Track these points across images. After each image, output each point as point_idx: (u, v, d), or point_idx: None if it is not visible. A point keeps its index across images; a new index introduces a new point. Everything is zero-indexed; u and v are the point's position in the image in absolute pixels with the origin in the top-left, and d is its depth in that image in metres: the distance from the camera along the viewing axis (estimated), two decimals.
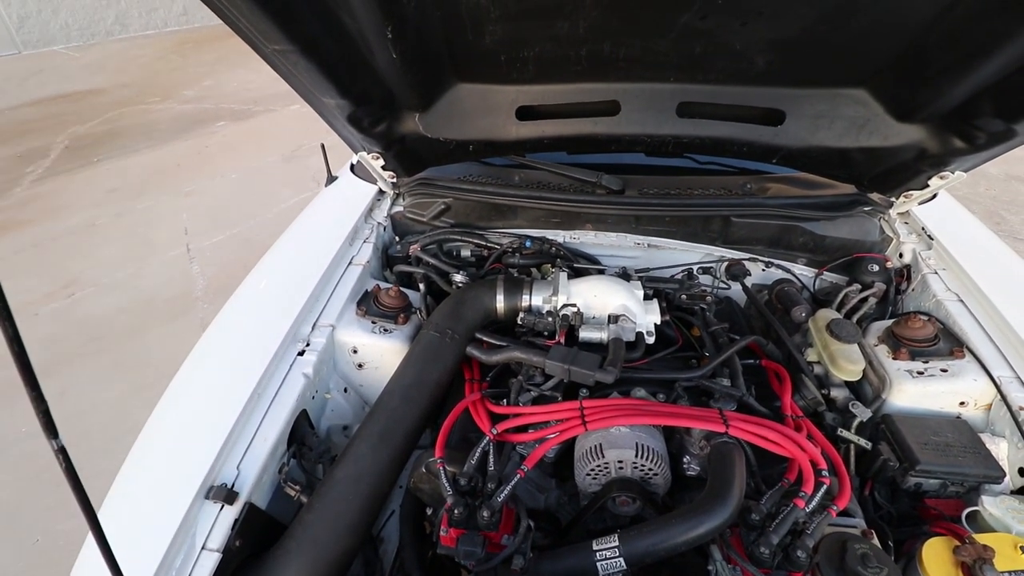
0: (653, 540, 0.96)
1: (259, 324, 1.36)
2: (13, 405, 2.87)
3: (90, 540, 0.94)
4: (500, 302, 1.41)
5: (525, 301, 1.41)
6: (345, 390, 1.45)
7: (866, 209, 1.66)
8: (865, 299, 1.58)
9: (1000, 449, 1.21)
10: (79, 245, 4.34)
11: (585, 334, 1.33)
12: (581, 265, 1.69)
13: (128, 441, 1.13)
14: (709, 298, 1.54)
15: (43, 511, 2.39)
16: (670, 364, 1.35)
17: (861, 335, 1.40)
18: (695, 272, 1.71)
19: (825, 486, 1.03)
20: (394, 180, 1.75)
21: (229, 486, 1.02)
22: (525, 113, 1.46)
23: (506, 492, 1.04)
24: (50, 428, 0.49)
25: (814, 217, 1.66)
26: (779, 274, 1.73)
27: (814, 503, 1.01)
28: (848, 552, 0.95)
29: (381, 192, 1.89)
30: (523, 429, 1.20)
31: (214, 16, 0.91)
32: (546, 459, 1.21)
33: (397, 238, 1.86)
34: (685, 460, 1.19)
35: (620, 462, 1.11)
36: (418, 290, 1.59)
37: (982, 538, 1.01)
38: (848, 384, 1.36)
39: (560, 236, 1.76)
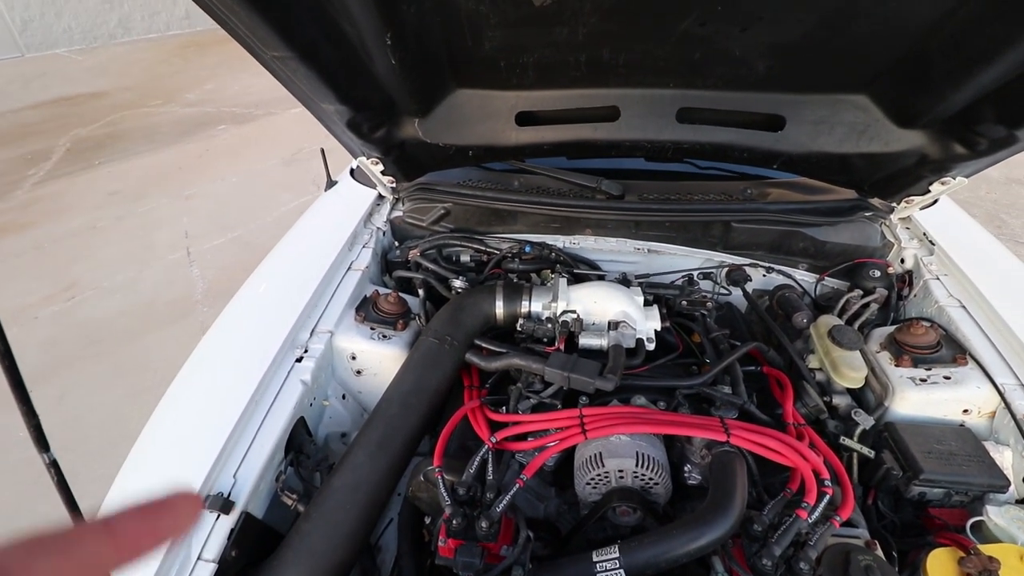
0: (654, 551, 0.95)
1: (257, 330, 1.35)
2: (13, 409, 2.86)
3: None
4: (499, 308, 1.40)
5: (524, 307, 1.40)
6: (343, 397, 1.44)
7: (867, 214, 1.65)
8: (867, 305, 1.57)
9: (1004, 457, 1.20)
10: (80, 248, 4.34)
11: (585, 341, 1.32)
12: (581, 271, 1.68)
13: (127, 446, 1.13)
14: (710, 304, 1.53)
15: (42, 516, 2.38)
16: (671, 371, 1.34)
17: (863, 342, 1.39)
18: (695, 278, 1.70)
19: (828, 496, 1.02)
20: (394, 185, 1.75)
21: (225, 495, 1.01)
22: (525, 119, 1.46)
23: (505, 502, 1.03)
24: (41, 442, 0.49)
25: (815, 222, 1.65)
26: (780, 280, 1.72)
27: (817, 513, 1.00)
28: (852, 564, 0.93)
29: (381, 197, 1.88)
30: (522, 437, 1.19)
31: None
32: (546, 468, 1.20)
33: (396, 243, 1.86)
34: (686, 469, 1.18)
35: (620, 471, 1.10)
36: (417, 296, 1.58)
37: (987, 549, 1.00)
38: (850, 391, 1.35)
39: (560, 241, 1.76)
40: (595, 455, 1.11)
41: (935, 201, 1.54)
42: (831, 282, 1.72)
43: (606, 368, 1.18)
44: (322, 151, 2.01)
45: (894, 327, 1.41)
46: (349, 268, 1.60)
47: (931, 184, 1.41)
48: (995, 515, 1.11)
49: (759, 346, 1.41)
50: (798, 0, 1.02)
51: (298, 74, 1.05)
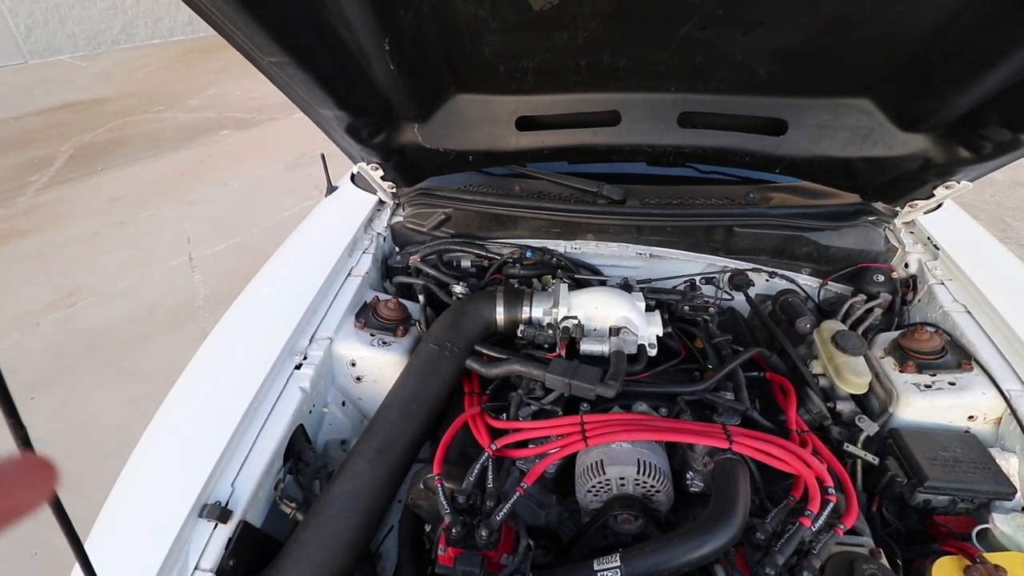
0: (655, 560, 0.94)
1: (256, 337, 1.35)
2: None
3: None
4: (500, 314, 1.39)
5: (525, 313, 1.40)
6: (343, 404, 1.44)
7: (871, 219, 1.64)
8: (871, 310, 1.55)
9: (1011, 464, 1.18)
10: (82, 254, 4.35)
11: (586, 347, 1.31)
12: (582, 276, 1.67)
13: (129, 452, 1.13)
14: (712, 309, 1.52)
15: (40, 524, 2.36)
16: (673, 377, 1.33)
17: (867, 347, 1.38)
18: (698, 283, 1.69)
19: (832, 504, 1.01)
20: (394, 190, 1.74)
21: (223, 504, 1.00)
22: (525, 123, 1.45)
23: (505, 510, 1.02)
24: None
25: (818, 227, 1.64)
26: (783, 284, 1.71)
27: (820, 521, 0.99)
28: (856, 573, 0.92)
29: (381, 202, 1.88)
30: (523, 444, 1.18)
31: None
32: (547, 475, 1.19)
33: (397, 249, 1.85)
34: (688, 476, 1.17)
35: (622, 479, 1.09)
36: (418, 302, 1.57)
37: (993, 557, 0.99)
38: (854, 397, 1.34)
39: (561, 246, 1.75)
40: (596, 462, 1.10)
41: (939, 205, 1.53)
42: (834, 287, 1.71)
43: (607, 374, 1.17)
44: (322, 156, 2.01)
45: (898, 332, 1.40)
46: (349, 274, 1.60)
47: (935, 188, 1.40)
48: (1001, 523, 1.10)
49: (762, 351, 1.40)
50: (799, 5, 1.01)
51: (296, 79, 1.05)
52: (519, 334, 1.37)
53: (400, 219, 1.84)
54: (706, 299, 1.58)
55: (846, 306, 1.56)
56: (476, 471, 1.09)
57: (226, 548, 0.96)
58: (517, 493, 1.05)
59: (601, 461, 1.09)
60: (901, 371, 1.32)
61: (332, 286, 1.53)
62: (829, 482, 1.04)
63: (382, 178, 1.62)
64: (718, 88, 1.31)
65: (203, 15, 0.87)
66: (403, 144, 1.48)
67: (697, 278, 1.71)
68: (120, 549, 0.95)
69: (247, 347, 1.33)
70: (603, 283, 1.63)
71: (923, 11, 1.00)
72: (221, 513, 0.98)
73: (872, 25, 1.05)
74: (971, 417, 1.26)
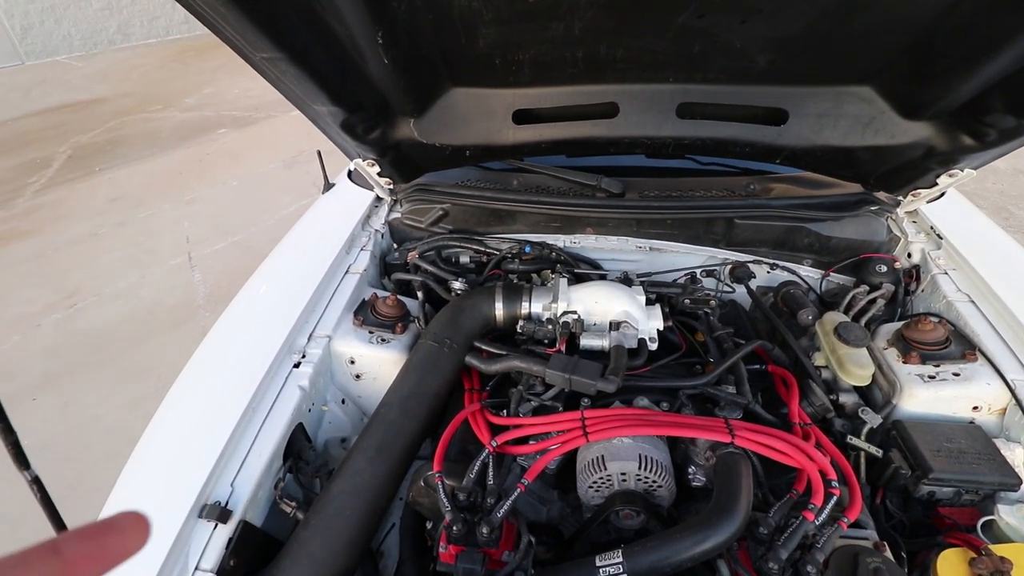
0: (658, 556, 0.93)
1: (254, 336, 1.34)
2: (15, 418, 2.87)
3: None
4: (499, 310, 1.39)
5: (524, 308, 1.39)
6: (343, 401, 1.43)
7: (873, 208, 1.62)
8: (873, 301, 1.54)
9: (1016, 455, 1.17)
10: (81, 255, 4.34)
11: (586, 342, 1.30)
12: (582, 270, 1.66)
13: (131, 453, 1.12)
14: (713, 302, 1.51)
15: (46, 524, 2.38)
16: (674, 371, 1.33)
17: (870, 338, 1.37)
18: (698, 275, 1.68)
19: (835, 497, 1.00)
20: (391, 186, 1.73)
21: (223, 504, 1.00)
22: (522, 117, 1.44)
23: (506, 507, 1.01)
24: (20, 459, 0.47)
25: (819, 217, 1.63)
26: (784, 276, 1.70)
27: (824, 515, 0.98)
28: (860, 566, 0.92)
29: (378, 199, 1.87)
30: (523, 441, 1.17)
31: None
32: (548, 471, 1.18)
33: (395, 245, 1.84)
34: (690, 471, 1.16)
35: (623, 474, 1.08)
36: (416, 298, 1.56)
37: (999, 549, 0.98)
38: (857, 389, 1.33)
39: (560, 240, 1.74)
40: (597, 458, 1.09)
41: (942, 194, 1.52)
42: (837, 278, 1.69)
43: (608, 369, 1.16)
44: (319, 153, 1.99)
45: (901, 323, 1.39)
46: (347, 271, 1.59)
47: (938, 176, 1.39)
48: (1006, 514, 1.09)
49: (764, 344, 1.39)
50: None
51: (288, 75, 1.04)
52: (519, 330, 1.36)
53: (398, 215, 1.83)
54: (707, 292, 1.57)
55: (848, 297, 1.55)
56: (477, 468, 1.09)
57: (226, 548, 0.96)
58: (518, 490, 1.04)
59: (602, 457, 1.09)
60: (904, 362, 1.31)
61: (330, 284, 1.52)
62: (832, 475, 1.04)
63: (379, 174, 1.61)
64: (717, 78, 1.29)
65: (192, 10, 0.86)
66: (399, 140, 1.47)
67: (698, 271, 1.70)
68: None
69: (245, 346, 1.32)
70: (603, 277, 1.62)
71: None
72: (221, 513, 0.98)
73: (873, 11, 1.03)
74: (976, 408, 1.24)
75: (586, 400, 1.21)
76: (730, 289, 1.71)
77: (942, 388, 1.24)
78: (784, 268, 1.70)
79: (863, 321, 1.51)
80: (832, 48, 1.16)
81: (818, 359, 1.37)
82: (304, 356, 1.32)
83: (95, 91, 8.06)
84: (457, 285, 1.56)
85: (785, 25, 1.09)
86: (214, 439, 1.07)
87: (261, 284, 1.56)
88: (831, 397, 1.31)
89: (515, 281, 1.58)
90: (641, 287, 1.45)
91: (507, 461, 1.18)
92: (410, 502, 1.18)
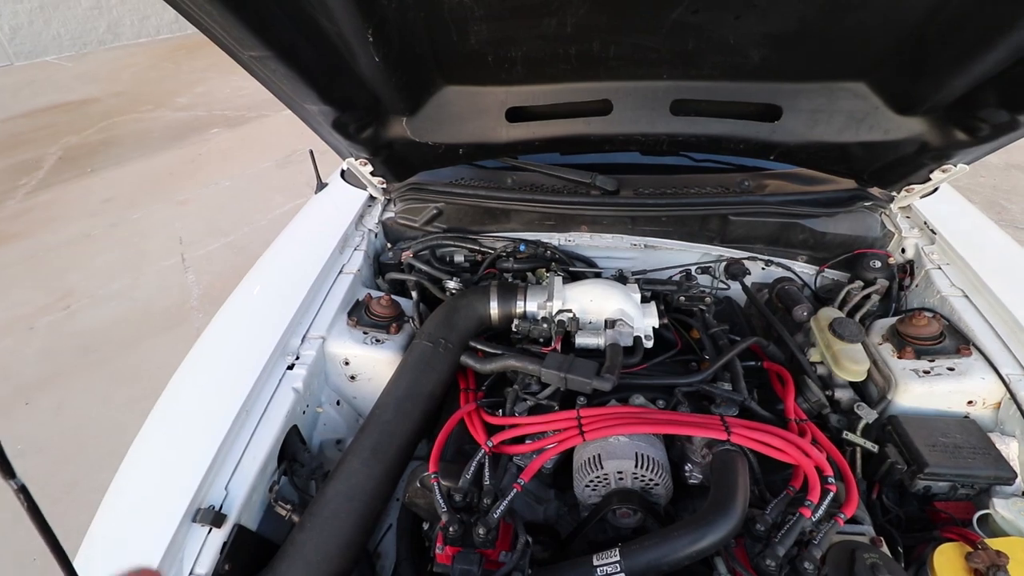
0: (655, 554, 0.93)
1: (247, 338, 1.33)
2: (8, 421, 2.85)
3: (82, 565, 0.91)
4: (494, 309, 1.38)
5: (519, 307, 1.38)
6: (338, 403, 1.42)
7: (867, 204, 1.62)
8: (868, 296, 1.54)
9: (1011, 449, 1.18)
10: (74, 257, 4.31)
11: (581, 340, 1.29)
12: (577, 268, 1.66)
13: (125, 455, 1.11)
14: (708, 299, 1.51)
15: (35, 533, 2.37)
16: (669, 369, 1.32)
17: (865, 334, 1.37)
18: (693, 273, 1.68)
19: (831, 493, 1.00)
20: (384, 186, 1.72)
21: (217, 508, 0.99)
22: (515, 114, 1.43)
23: (502, 508, 1.00)
24: (6, 468, 0.46)
25: (814, 214, 1.63)
26: (779, 272, 1.70)
27: (820, 511, 0.98)
28: (857, 562, 0.92)
29: (372, 198, 1.86)
30: (520, 440, 1.17)
31: None
32: (544, 470, 1.18)
33: (389, 245, 1.83)
34: (687, 468, 1.16)
35: (620, 473, 1.08)
36: (411, 298, 1.56)
37: (995, 543, 0.98)
38: (852, 385, 1.33)
39: (555, 239, 1.73)
40: (594, 457, 1.09)
41: (935, 189, 1.52)
42: (831, 274, 1.69)
43: (603, 368, 1.16)
44: (311, 153, 1.98)
45: (896, 318, 1.39)
46: (340, 271, 1.58)
47: (932, 172, 1.39)
48: (1002, 508, 1.09)
49: (759, 341, 1.39)
50: None
51: (278, 74, 1.02)
52: (514, 329, 1.35)
53: (391, 215, 1.82)
54: (702, 289, 1.57)
55: (843, 293, 1.55)
56: (473, 468, 1.08)
57: (221, 552, 0.95)
58: (514, 489, 1.04)
59: (599, 455, 1.08)
60: (899, 357, 1.31)
61: (323, 284, 1.51)
62: (828, 471, 1.04)
63: (372, 174, 1.60)
64: (711, 74, 1.29)
65: (180, 9, 0.85)
66: (392, 138, 1.45)
67: (693, 268, 1.70)
68: (113, 556, 0.93)
69: (238, 348, 1.31)
70: (598, 275, 1.61)
71: None
72: (215, 517, 0.97)
73: (866, 7, 1.03)
74: (970, 402, 1.25)
75: (582, 399, 1.21)
76: (725, 286, 1.70)
77: (937, 383, 1.24)
78: (779, 264, 1.70)
79: (858, 317, 1.51)
80: (825, 44, 1.15)
81: (813, 355, 1.37)
82: (298, 358, 1.31)
83: (85, 91, 7.99)
84: (452, 284, 1.55)
85: (778, 21, 1.08)
86: (208, 442, 1.06)
87: (254, 285, 1.55)
88: (827, 393, 1.31)
89: (510, 280, 1.57)
90: (636, 285, 1.44)
91: (503, 461, 1.18)
92: (406, 503, 1.18)
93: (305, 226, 1.83)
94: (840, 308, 1.52)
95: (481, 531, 0.97)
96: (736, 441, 1.07)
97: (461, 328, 1.35)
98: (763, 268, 1.73)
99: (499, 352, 1.31)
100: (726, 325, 1.43)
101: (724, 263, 1.70)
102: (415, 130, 1.43)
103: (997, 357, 1.25)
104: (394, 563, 1.25)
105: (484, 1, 1.03)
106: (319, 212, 1.88)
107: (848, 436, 1.21)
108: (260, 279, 1.57)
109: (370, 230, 1.76)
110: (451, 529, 0.99)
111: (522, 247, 1.67)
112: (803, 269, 1.71)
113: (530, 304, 1.38)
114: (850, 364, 1.28)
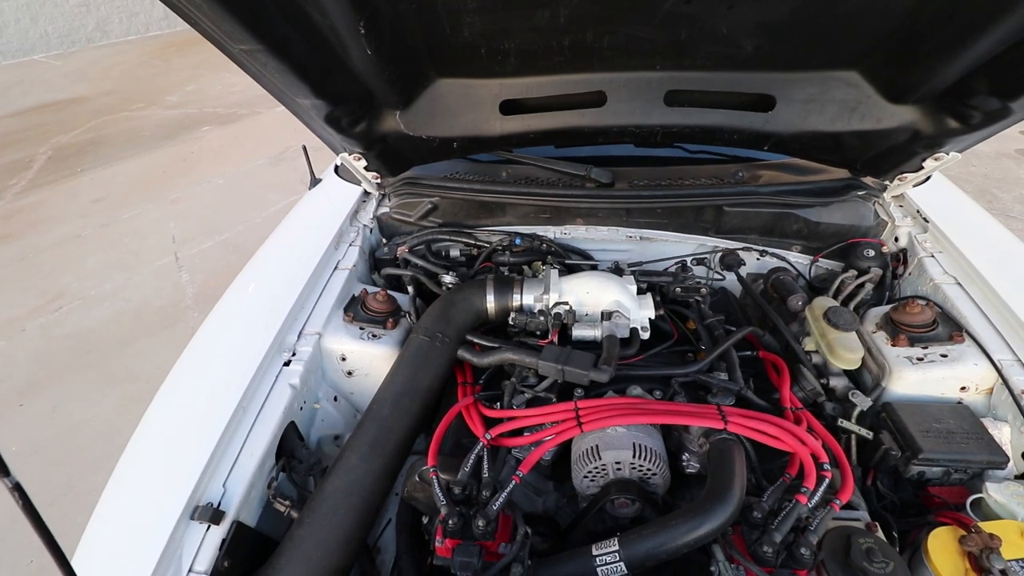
0: (654, 543, 0.94)
1: (242, 335, 1.32)
2: (3, 424, 2.83)
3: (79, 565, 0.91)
4: (490, 303, 1.38)
5: (516, 301, 1.38)
6: (335, 399, 1.42)
7: (860, 193, 1.63)
8: (862, 285, 1.55)
9: (1003, 434, 1.19)
10: (65, 257, 4.27)
11: (578, 332, 1.30)
12: (572, 261, 1.66)
13: (121, 456, 1.10)
14: (704, 290, 1.51)
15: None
16: (666, 359, 1.33)
17: (859, 322, 1.38)
18: (689, 264, 1.68)
19: (827, 480, 1.01)
20: (379, 181, 1.71)
21: (215, 505, 0.99)
22: (509, 107, 1.42)
23: (501, 500, 1.01)
24: (0, 467, 0.46)
25: (808, 203, 1.64)
26: (774, 263, 1.71)
27: (816, 498, 0.99)
28: (853, 547, 0.93)
29: (366, 193, 1.85)
30: (518, 432, 1.17)
31: None
32: (543, 462, 1.18)
33: (384, 240, 1.82)
34: (684, 458, 1.17)
35: (618, 463, 1.08)
36: (407, 293, 1.55)
37: (988, 526, 1.00)
38: (847, 373, 1.34)
39: (550, 232, 1.73)
40: (592, 448, 1.09)
41: (928, 178, 1.53)
42: (825, 263, 1.70)
43: (600, 359, 1.16)
44: (304, 148, 1.97)
45: (890, 306, 1.40)
46: (336, 267, 1.57)
47: (924, 160, 1.39)
48: (995, 491, 1.11)
49: (755, 331, 1.39)
50: None
51: (269, 68, 1.01)
52: (511, 322, 1.35)
53: (386, 210, 1.81)
54: (697, 280, 1.57)
55: (837, 282, 1.56)
56: (471, 461, 1.08)
57: (220, 549, 0.95)
58: (513, 482, 1.04)
59: (597, 446, 1.09)
60: (893, 345, 1.32)
61: (319, 280, 1.51)
62: (824, 458, 1.05)
63: (366, 168, 1.59)
64: (704, 65, 1.29)
65: (166, 1, 0.84)
66: (385, 132, 1.45)
67: (688, 259, 1.70)
68: (112, 555, 0.93)
69: (234, 345, 1.30)
70: (594, 267, 1.62)
71: None
72: (213, 514, 0.96)
73: None
74: (963, 388, 1.26)
75: (579, 391, 1.21)
76: (720, 276, 1.71)
77: (930, 370, 1.26)
78: (773, 254, 1.71)
79: (852, 305, 1.53)
80: (818, 33, 1.15)
81: (808, 344, 1.38)
82: (294, 354, 1.30)
83: (74, 90, 7.90)
84: (448, 279, 1.55)
85: (771, 10, 1.08)
86: (205, 440, 1.05)
87: (249, 282, 1.54)
88: (822, 381, 1.32)
89: (506, 273, 1.57)
90: (632, 277, 1.45)
91: (502, 454, 1.18)
92: (406, 497, 1.18)
93: (300, 222, 1.82)
94: (834, 297, 1.53)
95: (480, 523, 0.98)
96: (733, 430, 1.07)
97: (458, 322, 1.35)
98: (758, 258, 1.73)
99: (496, 345, 1.31)
100: (722, 315, 1.44)
101: (719, 254, 1.71)
102: (408, 124, 1.42)
103: (989, 343, 1.26)
104: (394, 557, 1.25)
105: None
106: (313, 208, 1.87)
107: (843, 423, 1.22)
108: (255, 276, 1.57)
109: (365, 225, 1.75)
110: (451, 522, 1.00)
111: (518, 240, 1.67)
112: (797, 259, 1.72)
113: (526, 297, 1.38)
114: (845, 352, 1.28)
